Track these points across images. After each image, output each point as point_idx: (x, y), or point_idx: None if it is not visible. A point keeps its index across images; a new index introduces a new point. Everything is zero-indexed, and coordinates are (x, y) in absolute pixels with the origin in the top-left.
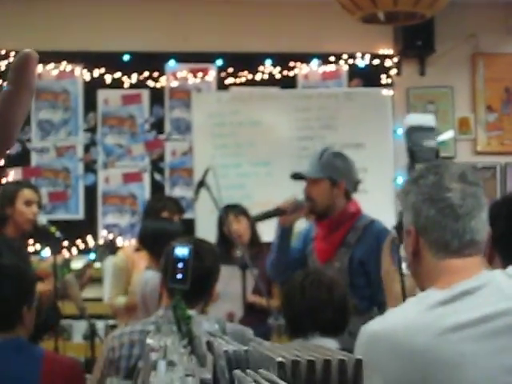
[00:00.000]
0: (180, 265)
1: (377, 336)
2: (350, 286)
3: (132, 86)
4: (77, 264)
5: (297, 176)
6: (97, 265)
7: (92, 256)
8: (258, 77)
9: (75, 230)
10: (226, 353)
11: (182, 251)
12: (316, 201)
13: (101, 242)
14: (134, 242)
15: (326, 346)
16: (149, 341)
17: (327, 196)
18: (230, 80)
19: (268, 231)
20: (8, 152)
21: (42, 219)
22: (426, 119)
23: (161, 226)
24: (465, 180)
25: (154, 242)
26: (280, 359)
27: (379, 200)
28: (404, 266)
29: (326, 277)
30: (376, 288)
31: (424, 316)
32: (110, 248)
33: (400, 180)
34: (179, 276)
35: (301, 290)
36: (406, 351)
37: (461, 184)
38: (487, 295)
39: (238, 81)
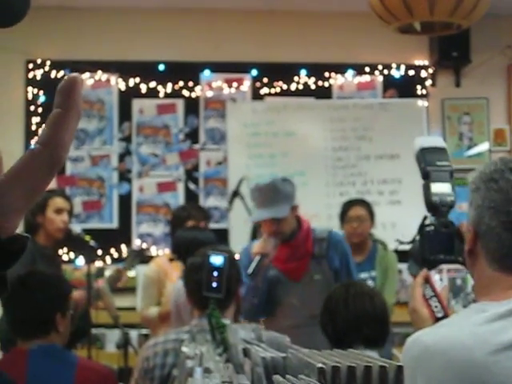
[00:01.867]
0: (215, 273)
1: (431, 350)
2: None
3: (167, 96)
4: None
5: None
6: (130, 273)
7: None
8: (293, 87)
9: (109, 239)
10: (263, 360)
11: (217, 260)
12: (285, 232)
13: (131, 249)
14: (166, 251)
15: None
16: (184, 349)
17: (291, 223)
18: (264, 90)
19: None
20: None
21: (77, 228)
22: (437, 140)
23: (193, 235)
24: None
25: (186, 251)
26: (320, 365)
27: (413, 211)
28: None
29: (366, 288)
30: None
31: (481, 330)
32: (140, 256)
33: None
34: (214, 284)
35: (344, 303)
36: (462, 367)
37: None
38: None
39: (272, 91)
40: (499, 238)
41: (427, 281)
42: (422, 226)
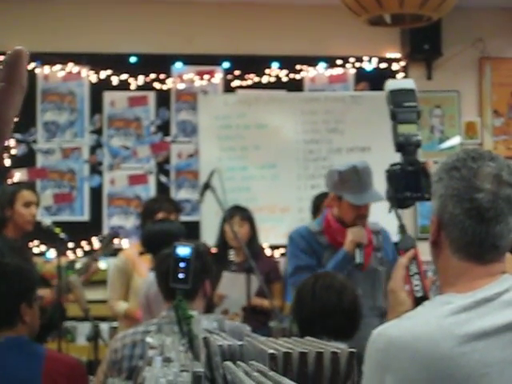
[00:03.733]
0: (182, 264)
1: (396, 342)
2: None
3: (138, 88)
4: (79, 265)
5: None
6: (102, 265)
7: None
8: (265, 80)
9: (80, 232)
10: (220, 347)
11: (183, 251)
12: (367, 216)
13: (103, 235)
14: (135, 244)
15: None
16: (148, 339)
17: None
18: (236, 83)
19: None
20: (14, 153)
21: (47, 221)
22: (407, 82)
23: (163, 228)
24: (500, 181)
25: (157, 244)
26: (271, 351)
27: (385, 203)
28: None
29: (336, 281)
30: None
31: (446, 322)
32: (113, 238)
33: None
34: (181, 276)
35: (311, 294)
36: (428, 359)
37: (494, 185)
38: (511, 301)
39: (244, 83)
40: (463, 226)
41: (415, 257)
42: (390, 167)
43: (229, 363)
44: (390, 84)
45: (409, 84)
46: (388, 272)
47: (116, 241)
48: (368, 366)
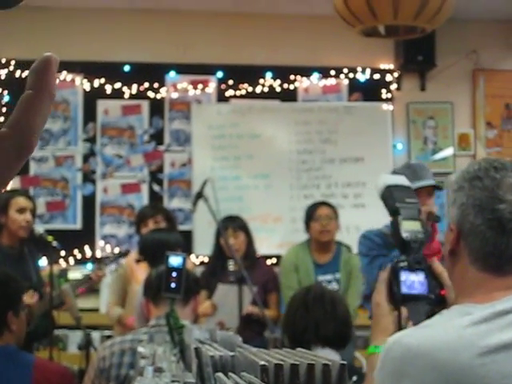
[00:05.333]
0: (174, 274)
1: (414, 350)
2: None
3: (132, 97)
4: (74, 274)
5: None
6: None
7: (89, 266)
8: (258, 89)
9: (72, 240)
10: (212, 358)
11: (176, 260)
12: (433, 212)
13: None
14: (133, 252)
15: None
16: (140, 349)
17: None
18: (230, 92)
19: (260, 245)
20: None
21: (40, 228)
22: (402, 179)
23: (161, 238)
24: None
25: (153, 253)
26: (263, 363)
27: (377, 215)
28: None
29: (328, 292)
30: None
31: (466, 332)
32: (121, 258)
33: None
34: (173, 285)
35: (304, 305)
36: (448, 368)
37: None
38: None
39: (238, 93)
40: (483, 236)
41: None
42: (396, 263)
43: (220, 374)
44: (386, 179)
45: (405, 181)
46: None
47: (123, 257)
48: (382, 375)
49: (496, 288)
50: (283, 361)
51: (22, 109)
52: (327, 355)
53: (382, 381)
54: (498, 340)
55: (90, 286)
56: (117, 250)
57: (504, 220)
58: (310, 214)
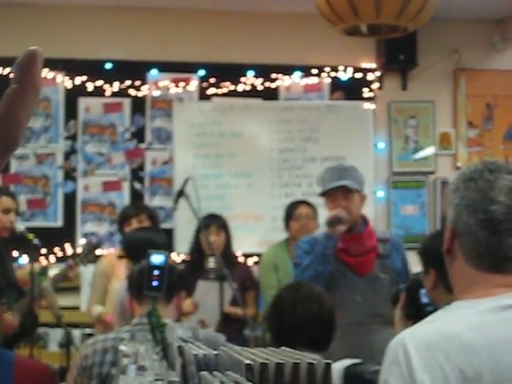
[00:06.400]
0: (156, 272)
1: (427, 344)
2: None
3: (113, 95)
4: (55, 272)
5: (324, 193)
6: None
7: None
8: (240, 88)
9: (53, 238)
10: (195, 357)
11: (158, 259)
12: (352, 213)
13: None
14: (115, 249)
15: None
16: (122, 347)
17: (358, 208)
18: (211, 90)
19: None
20: None
21: (20, 226)
22: None
23: (145, 237)
24: None
25: (138, 251)
26: (248, 361)
27: None
28: None
29: (316, 291)
30: None
31: (475, 324)
32: (96, 248)
33: (380, 194)
34: (155, 283)
35: (292, 304)
36: (461, 359)
37: (509, 198)
38: None
39: (219, 91)
40: (476, 237)
41: None
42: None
43: (205, 373)
44: None
45: None
46: (393, 280)
47: (98, 251)
48: (395, 372)
49: (494, 285)
50: (268, 360)
51: (7, 103)
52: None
53: (392, 375)
54: (506, 331)
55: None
56: (86, 242)
57: (496, 221)
58: (290, 213)
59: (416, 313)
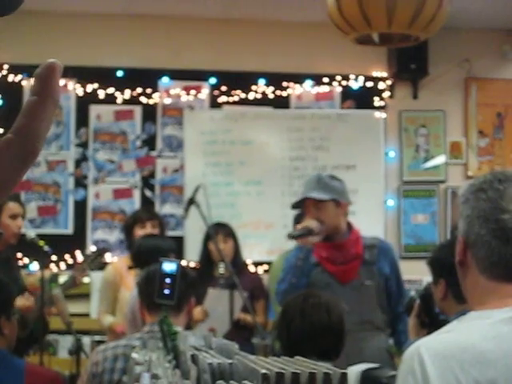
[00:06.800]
0: (168, 280)
1: (442, 354)
2: (380, 302)
3: (125, 102)
4: (65, 279)
5: (297, 204)
6: (86, 279)
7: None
8: (251, 96)
9: (64, 245)
10: (210, 365)
11: (169, 266)
12: (325, 223)
13: (92, 249)
14: (123, 257)
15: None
16: (134, 355)
17: (334, 217)
18: (222, 98)
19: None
20: None
21: (31, 233)
22: None
23: (153, 244)
24: None
25: (147, 259)
26: (264, 371)
27: (369, 222)
28: None
29: (324, 299)
30: (395, 303)
31: (490, 335)
32: (102, 255)
33: (391, 202)
34: (166, 291)
35: (301, 314)
36: (476, 370)
37: None
38: None
39: (230, 99)
40: (489, 246)
41: None
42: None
43: (222, 382)
44: None
45: None
46: (379, 286)
47: (104, 256)
48: (410, 383)
49: (509, 295)
50: (284, 369)
51: (26, 115)
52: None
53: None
54: None
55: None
56: (94, 249)
57: (508, 230)
58: (298, 222)
59: (430, 321)
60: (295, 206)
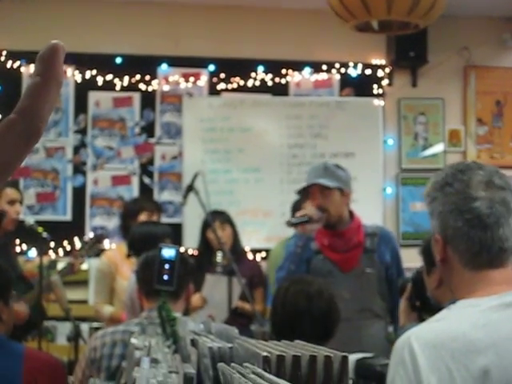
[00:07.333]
0: (167, 266)
1: (433, 343)
2: (380, 290)
3: (123, 89)
4: (62, 265)
5: (302, 191)
6: (83, 265)
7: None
8: (250, 83)
9: (62, 232)
10: (210, 349)
11: (168, 252)
12: (329, 211)
13: (90, 236)
14: (118, 245)
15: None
16: (133, 340)
17: (338, 206)
18: (221, 86)
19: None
20: None
21: (30, 219)
22: None
23: (149, 230)
24: (492, 186)
25: (142, 246)
26: (265, 354)
27: (367, 210)
28: None
29: (311, 287)
30: (395, 291)
31: (480, 323)
32: (99, 242)
33: (389, 190)
34: (166, 277)
35: (283, 300)
36: (467, 358)
37: (488, 191)
38: None
39: (229, 87)
40: (468, 237)
41: None
42: None
43: (223, 365)
44: None
45: None
46: (380, 274)
47: (103, 243)
48: (400, 373)
49: (495, 282)
50: (285, 352)
51: (29, 96)
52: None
53: (398, 376)
54: (510, 331)
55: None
56: (92, 236)
57: (483, 216)
58: (295, 209)
59: (421, 305)
60: (300, 192)
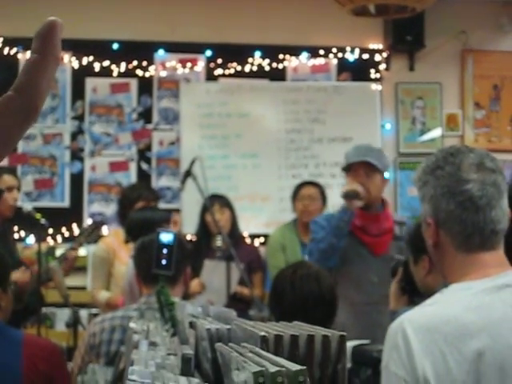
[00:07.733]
0: (165, 250)
1: (426, 327)
2: None
3: (120, 75)
4: (61, 252)
5: (348, 167)
6: (81, 251)
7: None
8: (247, 68)
9: (60, 218)
10: (208, 331)
11: (166, 237)
12: (371, 191)
13: (88, 223)
14: (115, 230)
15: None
16: (132, 325)
17: (379, 188)
18: (218, 71)
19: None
20: None
21: (28, 206)
22: None
23: (146, 216)
24: (483, 169)
25: (140, 231)
26: (263, 333)
27: None
28: None
29: (314, 269)
30: None
31: (472, 305)
32: (99, 228)
33: (387, 175)
34: (164, 262)
35: (291, 285)
36: (460, 341)
37: (479, 173)
38: None
39: (226, 72)
40: (461, 219)
41: None
42: None
43: (221, 344)
44: None
45: None
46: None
47: (101, 229)
48: (394, 357)
49: (488, 265)
50: (283, 332)
51: (27, 72)
52: None
53: (391, 360)
54: (503, 312)
55: (70, 265)
56: (90, 222)
57: (475, 198)
58: (295, 194)
59: (411, 288)
60: (345, 168)
